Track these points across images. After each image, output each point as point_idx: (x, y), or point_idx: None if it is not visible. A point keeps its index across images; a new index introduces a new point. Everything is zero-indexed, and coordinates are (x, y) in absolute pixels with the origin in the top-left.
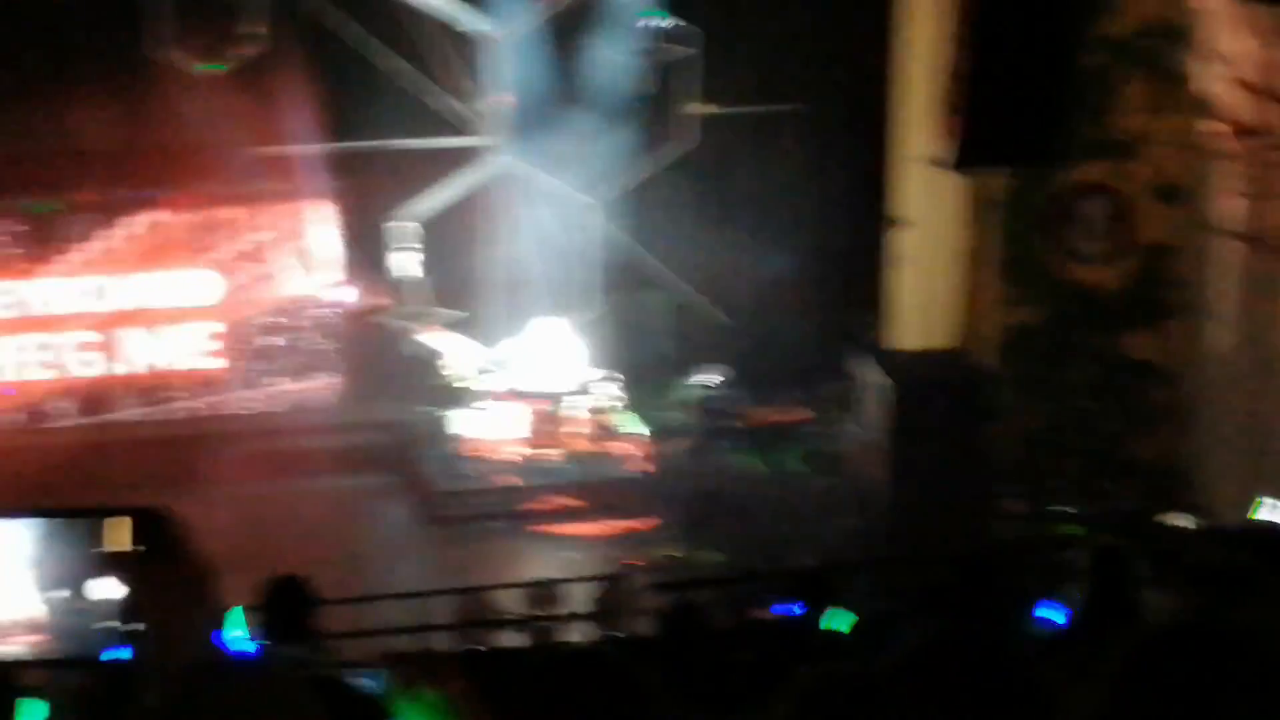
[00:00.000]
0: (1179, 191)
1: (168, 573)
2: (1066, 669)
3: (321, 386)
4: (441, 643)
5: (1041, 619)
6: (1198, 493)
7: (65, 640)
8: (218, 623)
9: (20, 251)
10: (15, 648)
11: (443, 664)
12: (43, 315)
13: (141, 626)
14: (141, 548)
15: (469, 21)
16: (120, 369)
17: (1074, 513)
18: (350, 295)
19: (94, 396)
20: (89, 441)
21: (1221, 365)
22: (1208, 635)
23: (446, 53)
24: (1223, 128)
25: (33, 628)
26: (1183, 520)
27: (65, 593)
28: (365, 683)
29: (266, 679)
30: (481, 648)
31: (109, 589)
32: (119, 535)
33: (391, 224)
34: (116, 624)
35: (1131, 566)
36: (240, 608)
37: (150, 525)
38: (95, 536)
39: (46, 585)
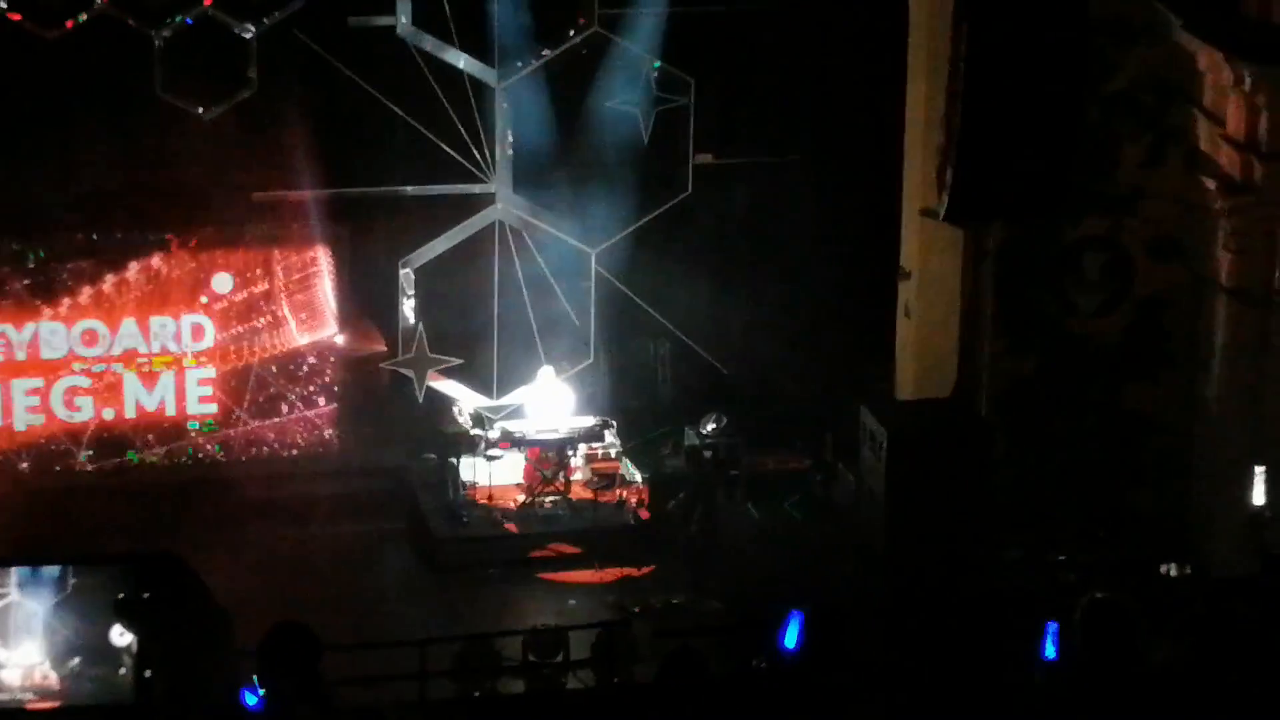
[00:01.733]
0: (1175, 246)
1: (178, 619)
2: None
3: (320, 432)
4: (442, 690)
5: (1040, 664)
6: (1194, 542)
7: (75, 688)
8: (230, 669)
9: (19, 294)
10: (25, 695)
11: (446, 713)
12: (39, 359)
13: (150, 673)
14: (149, 595)
15: (470, 70)
16: (124, 414)
17: (1071, 562)
18: (348, 341)
19: (92, 442)
20: (85, 487)
21: (1215, 416)
22: (1206, 685)
23: (447, 101)
24: (1215, 184)
25: (43, 675)
26: (1179, 570)
27: (75, 640)
28: None
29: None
30: (480, 695)
31: (118, 636)
32: (128, 582)
33: (399, 270)
34: (126, 671)
35: (1128, 616)
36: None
37: (160, 572)
38: (105, 584)
39: (56, 632)
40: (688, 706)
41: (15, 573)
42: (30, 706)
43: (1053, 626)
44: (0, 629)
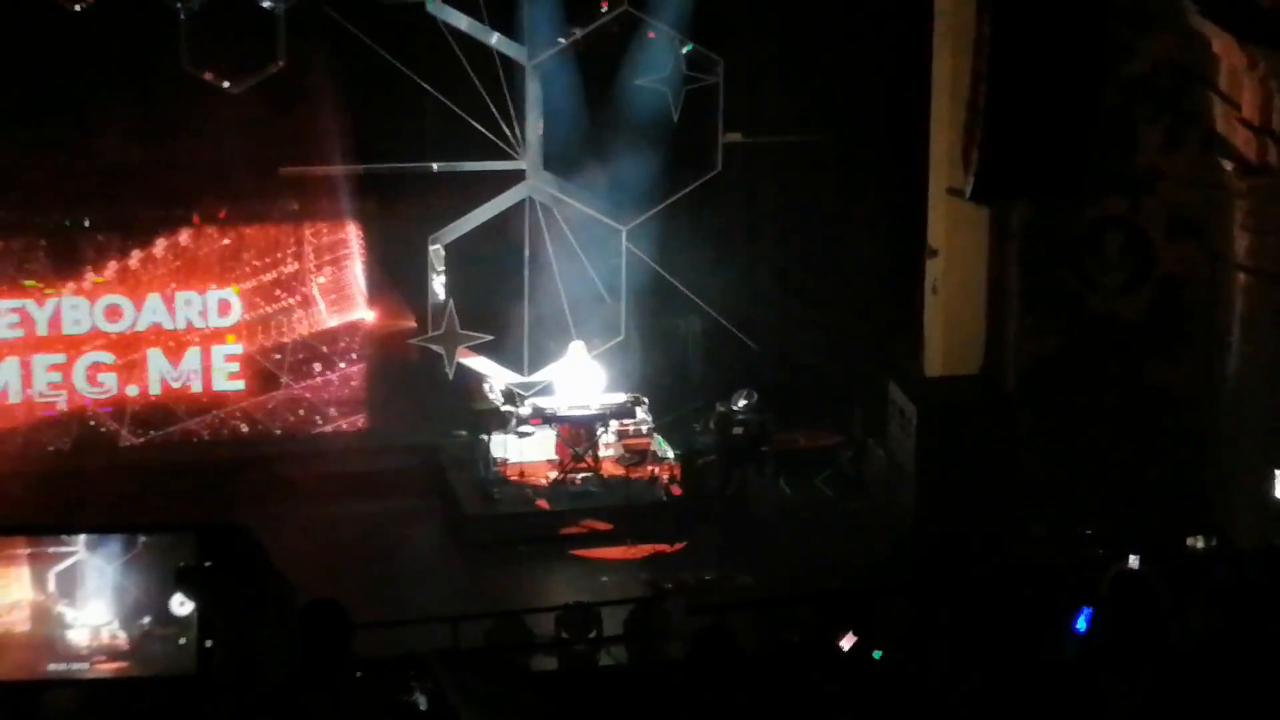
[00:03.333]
0: (1194, 226)
1: (240, 590)
2: (1096, 690)
3: (351, 410)
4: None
5: (1070, 637)
6: (1215, 516)
7: (135, 659)
8: (293, 642)
9: (41, 268)
10: (84, 666)
11: (499, 670)
12: (64, 335)
13: (210, 644)
14: (212, 564)
15: (500, 47)
16: (149, 390)
17: (1095, 536)
18: (378, 318)
19: (123, 418)
20: (117, 464)
21: (1234, 392)
22: (1234, 656)
23: (477, 78)
24: (1232, 166)
25: (111, 635)
26: (1202, 542)
27: (133, 610)
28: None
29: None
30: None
31: (178, 605)
32: (189, 551)
33: (429, 246)
34: (186, 641)
35: (1153, 589)
36: None
37: (221, 541)
38: (164, 552)
39: (125, 591)
40: (720, 684)
41: (83, 535)
42: (98, 665)
43: (1087, 611)
44: (67, 588)
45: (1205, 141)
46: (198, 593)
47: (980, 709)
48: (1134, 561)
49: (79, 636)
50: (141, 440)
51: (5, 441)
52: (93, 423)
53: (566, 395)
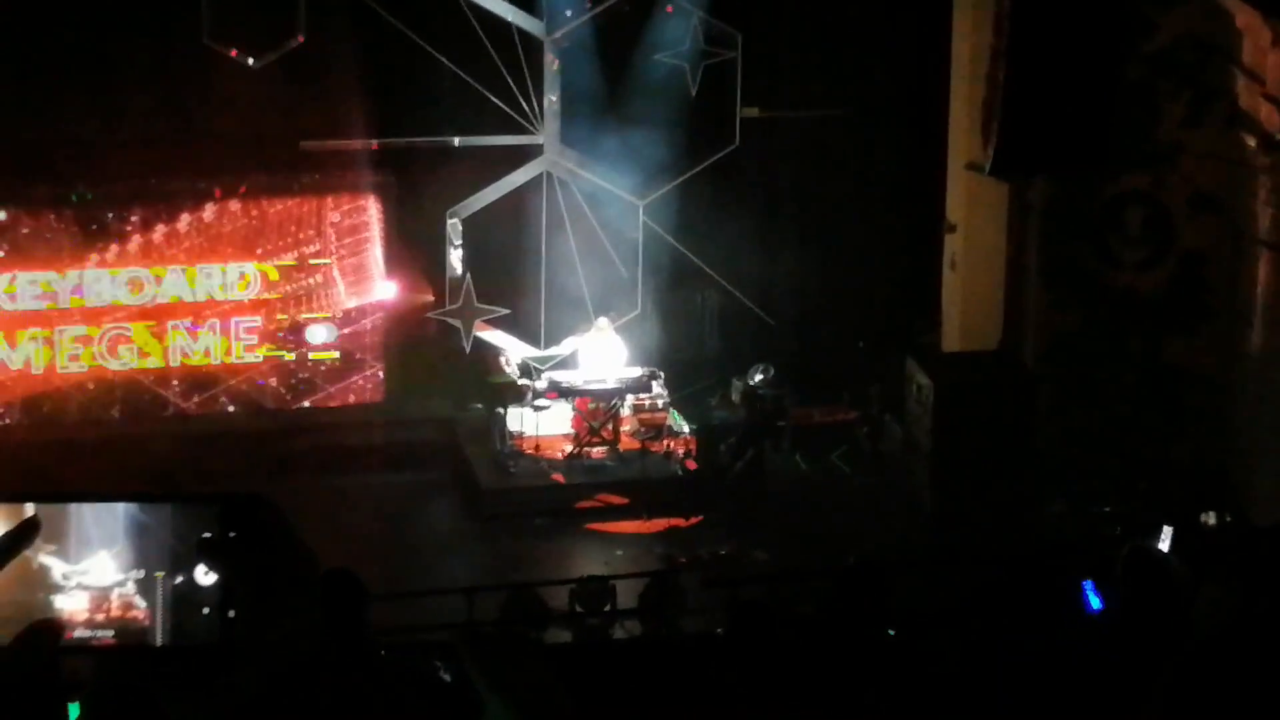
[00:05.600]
0: (1215, 201)
1: (262, 560)
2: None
3: (367, 383)
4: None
5: (1087, 614)
6: (1234, 493)
7: (158, 628)
8: (316, 614)
9: (66, 241)
10: (106, 616)
11: (524, 646)
12: (84, 307)
13: (233, 614)
14: (235, 534)
15: (518, 22)
16: (170, 363)
17: (1114, 512)
18: (396, 291)
19: (144, 391)
20: (135, 435)
21: (1256, 368)
22: (1251, 634)
23: (496, 52)
24: (1255, 141)
25: (127, 598)
26: (1214, 518)
27: (156, 579)
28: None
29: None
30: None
31: (202, 575)
32: (212, 521)
33: (446, 220)
34: (209, 611)
35: (1170, 566)
36: None
37: (245, 511)
38: (188, 522)
39: (138, 571)
40: (755, 659)
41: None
42: (102, 633)
43: (1088, 584)
44: (54, 532)
45: (1228, 117)
46: (222, 563)
47: (994, 686)
48: (1166, 534)
49: (75, 602)
50: (161, 414)
51: (25, 411)
52: (110, 394)
53: (584, 369)
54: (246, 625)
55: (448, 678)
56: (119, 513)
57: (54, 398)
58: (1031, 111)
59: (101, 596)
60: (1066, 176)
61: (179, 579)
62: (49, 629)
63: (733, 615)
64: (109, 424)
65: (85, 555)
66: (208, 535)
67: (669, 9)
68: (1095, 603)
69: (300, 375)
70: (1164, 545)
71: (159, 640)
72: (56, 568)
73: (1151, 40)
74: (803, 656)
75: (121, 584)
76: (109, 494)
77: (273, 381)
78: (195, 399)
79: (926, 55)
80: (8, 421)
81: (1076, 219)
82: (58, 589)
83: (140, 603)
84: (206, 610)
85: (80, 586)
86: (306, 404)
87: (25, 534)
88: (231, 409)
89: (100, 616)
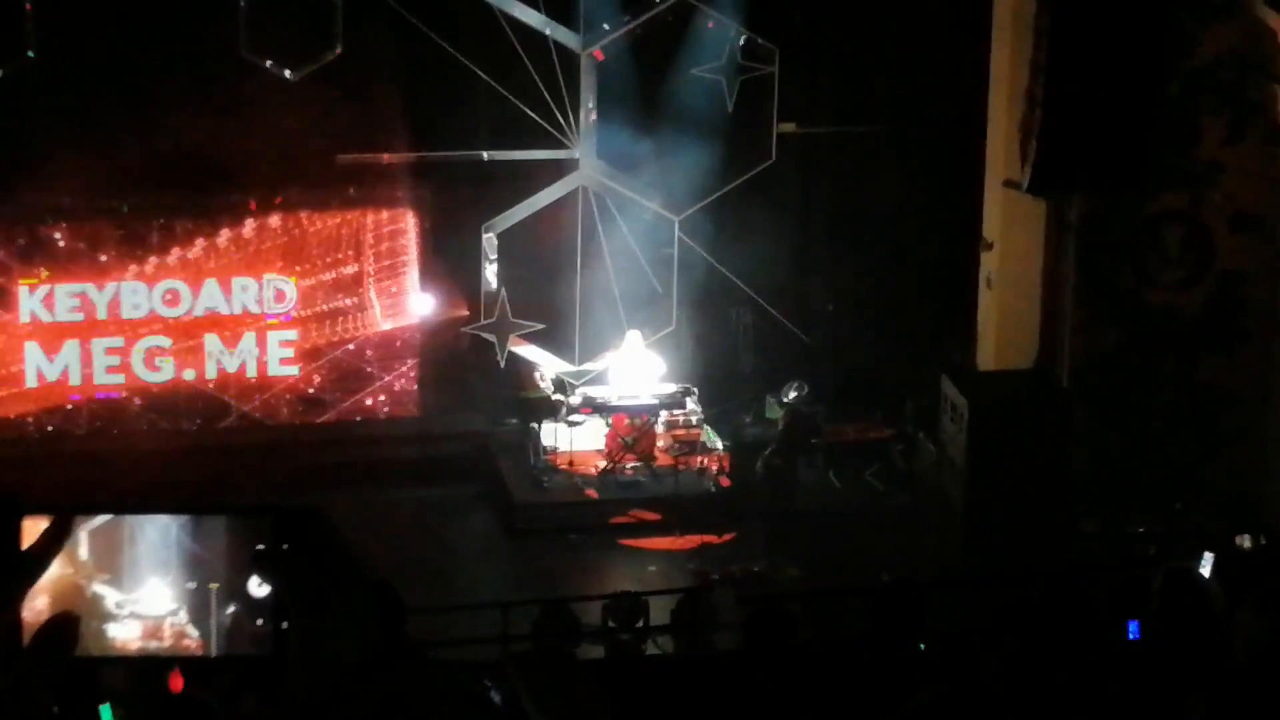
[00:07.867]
0: (1255, 220)
1: (316, 573)
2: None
3: (402, 397)
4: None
5: (1123, 637)
6: (1270, 515)
7: (210, 640)
8: (369, 628)
9: (103, 254)
10: (159, 644)
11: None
12: (121, 319)
13: (285, 626)
14: (289, 547)
15: (555, 35)
16: (205, 375)
17: (1147, 532)
18: (432, 305)
19: (179, 403)
20: (171, 448)
21: None
22: None
23: (532, 66)
24: None
25: (179, 627)
26: (1249, 541)
27: (210, 591)
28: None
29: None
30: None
31: (256, 588)
32: (265, 533)
33: (481, 234)
34: (261, 623)
35: (1204, 587)
36: None
37: (299, 524)
38: (240, 534)
39: (191, 583)
40: (774, 671)
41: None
42: (159, 658)
43: (1133, 625)
44: (108, 558)
45: (1268, 135)
46: (276, 575)
47: (1027, 708)
48: (1208, 560)
49: (127, 631)
50: (196, 426)
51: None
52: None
53: (619, 385)
54: (300, 637)
55: (497, 698)
56: (171, 539)
57: (90, 409)
58: (1070, 129)
59: (155, 625)
60: (1105, 194)
61: (222, 601)
62: (66, 621)
63: (750, 625)
64: (145, 436)
65: (138, 584)
66: (262, 547)
67: (710, 24)
68: (1134, 633)
69: (334, 391)
70: (1205, 571)
71: (213, 652)
72: (110, 596)
73: (1192, 57)
74: (836, 674)
75: (174, 613)
76: (165, 505)
77: (310, 392)
78: (230, 413)
79: (965, 71)
80: (50, 429)
81: (1114, 237)
82: (110, 617)
83: (193, 632)
84: (260, 621)
85: (133, 615)
86: (343, 418)
87: (59, 535)
88: (265, 423)
89: (153, 644)
